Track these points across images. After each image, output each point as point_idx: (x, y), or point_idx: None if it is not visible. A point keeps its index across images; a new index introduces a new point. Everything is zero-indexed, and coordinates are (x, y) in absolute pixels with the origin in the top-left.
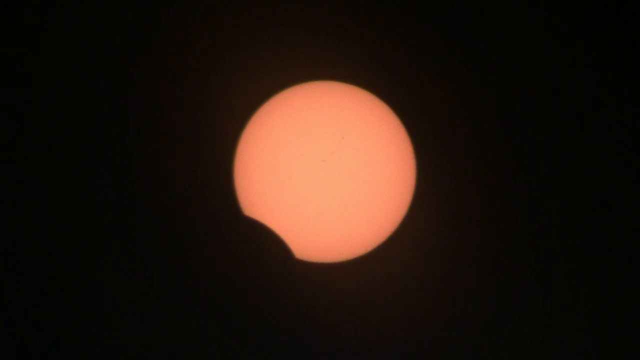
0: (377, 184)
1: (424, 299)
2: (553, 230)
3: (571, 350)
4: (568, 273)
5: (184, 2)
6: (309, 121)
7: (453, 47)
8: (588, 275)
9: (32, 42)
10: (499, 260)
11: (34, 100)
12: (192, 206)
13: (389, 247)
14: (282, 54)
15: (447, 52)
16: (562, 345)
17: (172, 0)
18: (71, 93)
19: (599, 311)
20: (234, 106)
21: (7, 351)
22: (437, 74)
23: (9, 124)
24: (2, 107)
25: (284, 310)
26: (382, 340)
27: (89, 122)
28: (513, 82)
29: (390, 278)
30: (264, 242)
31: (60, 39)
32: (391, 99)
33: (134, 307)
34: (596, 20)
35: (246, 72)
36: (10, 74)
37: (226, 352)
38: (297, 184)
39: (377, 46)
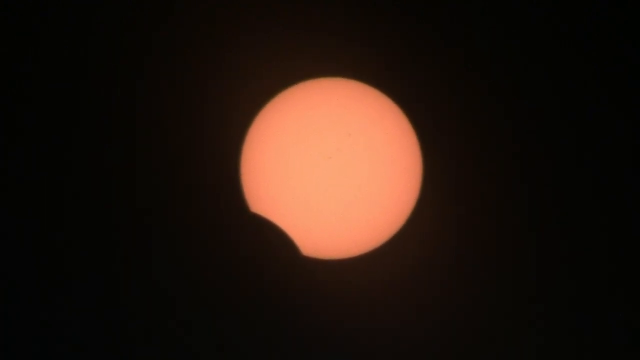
0: (383, 180)
1: (430, 295)
2: (556, 229)
3: (572, 352)
4: (571, 273)
5: (184, 2)
6: (314, 118)
7: (460, 44)
8: (590, 276)
9: (32, 42)
10: (504, 255)
11: (33, 101)
12: (199, 204)
13: (396, 243)
14: (286, 51)
15: (454, 48)
16: (563, 346)
17: (172, 0)
18: (72, 94)
19: (600, 314)
20: (239, 105)
21: (7, 352)
22: (444, 70)
23: (9, 125)
24: (3, 108)
25: (290, 307)
26: (386, 338)
27: (91, 123)
28: (519, 79)
29: (397, 275)
30: (271, 239)
31: (60, 39)
32: (397, 95)
33: (139, 306)
34: (600, 20)
35: (249, 71)
36: (10, 75)
37: (232, 349)
38: (303, 181)
39: (383, 42)
